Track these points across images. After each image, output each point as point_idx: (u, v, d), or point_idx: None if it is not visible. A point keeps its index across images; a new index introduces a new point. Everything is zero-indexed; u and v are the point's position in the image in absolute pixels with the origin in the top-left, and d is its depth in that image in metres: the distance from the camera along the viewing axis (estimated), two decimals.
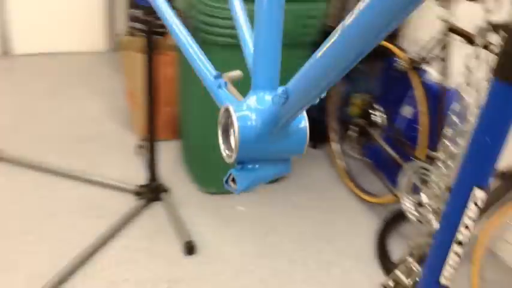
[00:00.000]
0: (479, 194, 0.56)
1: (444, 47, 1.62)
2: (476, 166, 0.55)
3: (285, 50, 1.42)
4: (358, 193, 2.14)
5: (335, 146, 2.33)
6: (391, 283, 0.89)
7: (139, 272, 1.64)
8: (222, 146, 0.68)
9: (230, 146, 0.67)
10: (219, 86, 0.75)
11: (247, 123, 0.65)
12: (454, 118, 0.90)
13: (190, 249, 1.74)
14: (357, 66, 0.52)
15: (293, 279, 1.70)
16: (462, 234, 0.59)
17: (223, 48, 1.65)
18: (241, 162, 0.67)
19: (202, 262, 1.72)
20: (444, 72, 1.64)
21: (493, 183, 1.41)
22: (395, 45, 1.87)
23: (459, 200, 0.58)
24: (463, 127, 0.88)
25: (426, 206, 1.61)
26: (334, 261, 1.80)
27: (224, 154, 0.67)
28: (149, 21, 1.60)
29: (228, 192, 2.06)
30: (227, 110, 0.67)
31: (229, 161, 0.66)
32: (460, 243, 0.60)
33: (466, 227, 0.59)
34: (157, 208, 1.93)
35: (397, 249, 1.83)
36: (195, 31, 1.72)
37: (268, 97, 0.65)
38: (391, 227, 1.91)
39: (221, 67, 1.93)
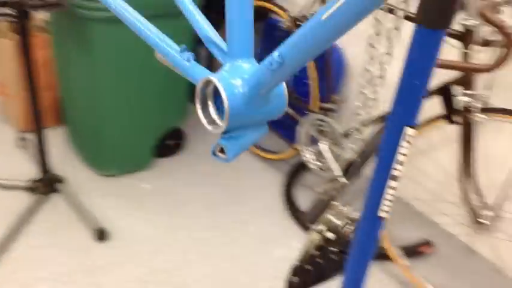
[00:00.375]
0: (409, 132, 0.63)
1: (324, 2, 1.70)
2: (406, 107, 0.61)
3: (171, 20, 1.40)
4: (259, 153, 2.21)
5: None
6: (322, 227, 0.96)
7: (53, 268, 1.56)
8: (203, 120, 0.67)
9: (212, 118, 0.66)
10: (188, 60, 0.73)
11: (234, 92, 0.64)
12: (366, 66, 0.97)
13: (101, 235, 1.69)
14: None
15: (213, 244, 1.74)
16: (396, 170, 0.66)
17: (108, 23, 1.57)
18: (227, 131, 0.66)
19: (117, 246, 1.68)
20: None
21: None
22: (275, 5, 1.91)
23: (392, 140, 0.64)
24: (375, 74, 0.96)
25: (325, 153, 1.73)
26: (248, 220, 1.86)
27: (209, 128, 0.66)
28: (20, 3, 1.46)
29: (128, 172, 2.03)
30: (209, 82, 0.65)
31: (217, 132, 0.65)
32: (395, 178, 0.67)
33: (400, 163, 0.66)
34: (56, 200, 1.82)
35: (302, 198, 1.94)
36: (71, 8, 1.61)
37: (246, 65, 0.65)
38: (294, 179, 2.02)
39: (107, 44, 1.82)
